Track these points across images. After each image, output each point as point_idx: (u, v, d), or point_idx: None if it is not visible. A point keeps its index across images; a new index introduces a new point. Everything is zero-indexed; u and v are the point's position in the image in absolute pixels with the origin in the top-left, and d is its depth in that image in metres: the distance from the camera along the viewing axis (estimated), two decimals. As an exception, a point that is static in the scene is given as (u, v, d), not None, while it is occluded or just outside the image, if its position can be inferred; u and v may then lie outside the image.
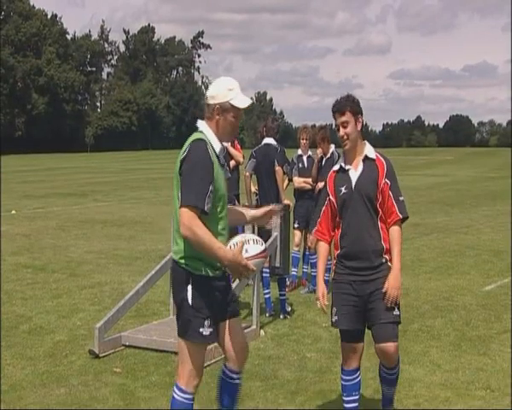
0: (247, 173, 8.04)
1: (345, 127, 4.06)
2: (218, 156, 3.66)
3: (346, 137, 4.07)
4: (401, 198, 4.09)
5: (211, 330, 3.65)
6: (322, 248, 4.25)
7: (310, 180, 8.40)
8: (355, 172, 4.11)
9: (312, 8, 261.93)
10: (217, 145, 3.67)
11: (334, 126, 4.20)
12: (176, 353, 5.79)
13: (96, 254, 11.02)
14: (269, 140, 7.80)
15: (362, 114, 4.12)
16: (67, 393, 5.04)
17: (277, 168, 7.68)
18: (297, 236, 8.65)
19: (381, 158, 4.15)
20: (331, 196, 4.16)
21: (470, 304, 7.81)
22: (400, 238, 4.09)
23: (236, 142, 9.34)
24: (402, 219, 4.09)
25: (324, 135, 8.27)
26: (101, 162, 49.34)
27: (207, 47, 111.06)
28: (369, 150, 4.15)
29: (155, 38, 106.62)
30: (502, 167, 41.89)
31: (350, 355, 4.19)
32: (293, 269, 8.55)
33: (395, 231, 4.07)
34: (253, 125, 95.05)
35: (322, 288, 4.16)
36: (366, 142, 4.19)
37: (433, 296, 8.09)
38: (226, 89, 3.66)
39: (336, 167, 4.23)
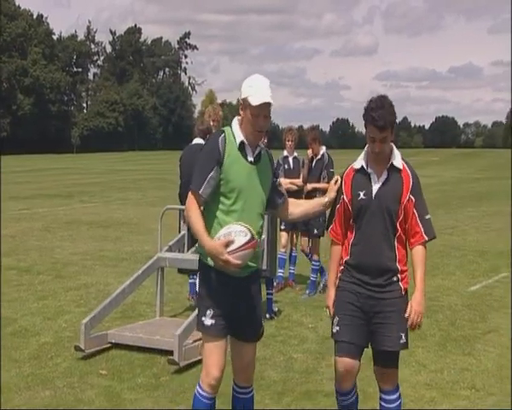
0: None
1: (382, 143, 3.66)
2: (240, 150, 3.62)
3: (381, 153, 3.69)
4: (427, 217, 3.73)
5: (212, 321, 3.58)
6: (336, 251, 3.90)
7: (296, 181, 8.45)
8: (377, 179, 3.72)
9: (299, 10, 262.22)
10: (238, 138, 3.64)
11: (366, 135, 3.72)
12: (162, 351, 5.82)
13: (82, 256, 10.96)
14: None
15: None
16: (53, 395, 5.02)
17: None
18: (283, 237, 8.67)
19: (408, 169, 3.75)
20: (346, 197, 3.79)
21: (455, 304, 7.86)
22: (425, 260, 3.73)
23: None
24: (429, 240, 3.75)
25: (315, 136, 8.37)
26: (88, 163, 49.13)
27: (194, 48, 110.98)
28: (396, 158, 3.74)
29: (142, 39, 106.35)
30: (487, 168, 42.21)
31: (344, 376, 3.78)
32: (279, 270, 8.55)
33: (419, 251, 3.72)
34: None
35: (332, 296, 3.87)
36: (393, 146, 3.77)
37: (419, 297, 8.11)
38: (247, 85, 3.64)
39: (357, 165, 3.80)
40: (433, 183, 29.41)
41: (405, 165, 3.75)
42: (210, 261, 3.59)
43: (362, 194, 3.72)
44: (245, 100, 3.62)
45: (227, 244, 3.42)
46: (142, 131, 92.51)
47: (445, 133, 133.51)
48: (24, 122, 78.09)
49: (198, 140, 7.49)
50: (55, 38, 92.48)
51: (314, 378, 5.41)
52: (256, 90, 3.59)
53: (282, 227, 8.64)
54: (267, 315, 7.23)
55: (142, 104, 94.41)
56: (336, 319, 3.78)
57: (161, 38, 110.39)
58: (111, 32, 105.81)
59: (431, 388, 5.23)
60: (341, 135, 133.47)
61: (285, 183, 8.59)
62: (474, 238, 13.18)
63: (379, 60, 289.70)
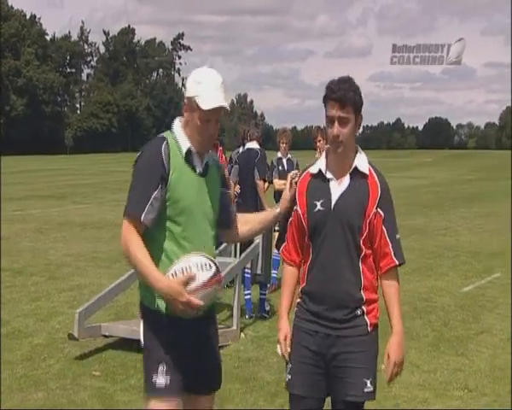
0: (232, 182, 8.06)
1: (342, 125, 2.90)
2: (187, 160, 2.88)
3: (340, 137, 2.91)
4: (397, 236, 3.00)
5: (167, 379, 2.82)
6: (289, 273, 3.13)
7: (289, 182, 8.46)
8: (338, 187, 2.98)
9: (293, 11, 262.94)
10: (184, 145, 2.88)
11: (325, 119, 2.98)
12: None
13: (75, 257, 10.94)
14: (251, 144, 7.82)
15: (361, 113, 3.00)
16: (46, 397, 5.00)
17: (259, 182, 7.66)
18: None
19: (376, 176, 3.00)
20: (299, 209, 3.03)
21: (448, 305, 7.88)
22: (399, 295, 3.01)
23: (220, 149, 9.27)
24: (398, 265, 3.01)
25: (323, 136, 8.31)
26: (81, 164, 49.03)
27: (188, 49, 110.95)
28: (361, 161, 3.00)
29: (135, 40, 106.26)
30: (479, 170, 42.34)
31: None
32: (273, 271, 8.55)
33: (392, 285, 2.99)
34: (233, 127, 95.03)
35: (284, 328, 3.08)
36: (359, 148, 3.05)
37: (412, 298, 8.14)
38: (195, 81, 2.84)
39: (314, 169, 3.05)
40: (426, 184, 29.52)
41: (373, 170, 3.02)
42: (161, 306, 2.85)
43: (319, 204, 2.97)
44: (192, 100, 2.83)
45: (186, 282, 2.72)
46: (136, 133, 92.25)
47: (438, 134, 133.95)
48: (17, 123, 77.89)
49: None
50: (48, 38, 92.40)
51: (307, 379, 5.41)
52: (206, 90, 2.81)
53: (277, 228, 8.62)
54: (259, 313, 7.27)
55: (135, 105, 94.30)
56: (289, 365, 3.05)
57: (155, 38, 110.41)
58: (104, 32, 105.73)
59: (424, 388, 5.24)
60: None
61: (279, 184, 8.59)
62: (466, 239, 13.22)
63: (372, 61, 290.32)
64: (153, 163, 2.82)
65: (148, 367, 2.88)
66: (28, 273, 9.57)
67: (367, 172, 2.99)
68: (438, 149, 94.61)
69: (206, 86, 2.81)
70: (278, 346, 3.09)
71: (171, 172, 2.82)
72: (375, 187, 2.97)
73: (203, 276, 2.74)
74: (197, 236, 2.90)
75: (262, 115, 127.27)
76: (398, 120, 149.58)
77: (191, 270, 2.72)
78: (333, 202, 2.96)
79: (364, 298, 2.97)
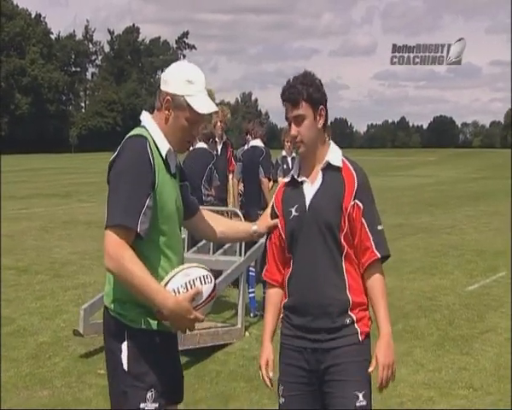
0: (235, 180, 8.11)
1: (298, 124, 2.77)
2: (165, 161, 2.67)
3: (298, 137, 2.79)
4: (379, 227, 2.79)
5: (156, 405, 2.60)
6: (272, 294, 2.97)
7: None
8: (311, 187, 2.82)
9: (298, 9, 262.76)
10: (163, 146, 2.66)
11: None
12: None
13: (80, 255, 10.96)
14: (256, 142, 7.88)
15: (325, 103, 2.81)
16: (51, 395, 5.02)
17: (263, 180, 7.71)
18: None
19: (351, 167, 2.82)
20: (279, 223, 2.90)
21: (453, 304, 7.87)
22: (384, 290, 2.78)
23: (231, 150, 9.25)
24: (382, 259, 2.79)
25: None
26: (86, 163, 49.05)
27: (192, 47, 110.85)
28: (333, 155, 2.83)
29: (140, 39, 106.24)
30: (484, 168, 42.24)
31: None
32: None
33: (376, 280, 2.76)
34: (238, 126, 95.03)
35: (266, 352, 2.93)
36: (332, 143, 2.89)
37: (417, 296, 8.13)
38: (184, 79, 2.64)
39: (287, 178, 2.95)
40: (431, 182, 29.46)
41: (347, 162, 2.84)
42: (151, 323, 2.62)
43: (293, 210, 2.82)
44: (180, 98, 2.64)
45: (193, 298, 2.54)
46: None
47: (443, 133, 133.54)
48: (22, 122, 78.01)
49: (201, 144, 7.48)
50: (53, 37, 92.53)
51: (312, 378, 5.40)
52: (200, 91, 2.66)
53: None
54: (251, 314, 7.25)
55: (140, 104, 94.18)
56: (281, 388, 2.88)
57: (159, 37, 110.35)
58: (109, 31, 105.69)
59: (429, 387, 5.23)
60: (339, 134, 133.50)
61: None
62: (472, 238, 13.18)
63: (377, 59, 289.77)
64: (142, 166, 2.56)
65: (133, 395, 2.60)
66: (33, 272, 9.59)
67: (340, 165, 2.81)
68: (443, 148, 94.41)
69: (199, 88, 2.66)
70: (260, 372, 2.93)
71: (157, 176, 2.59)
72: (351, 178, 2.78)
73: (207, 289, 2.59)
74: (176, 243, 2.72)
75: (266, 114, 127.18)
76: (403, 118, 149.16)
77: (195, 285, 2.55)
78: (307, 204, 2.80)
79: (351, 300, 2.75)
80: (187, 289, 2.53)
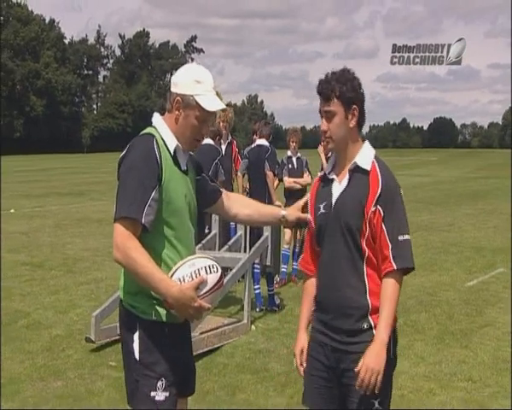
0: (240, 174, 8.17)
1: (328, 120, 2.68)
2: (174, 159, 2.70)
3: (328, 133, 2.70)
4: (402, 237, 2.63)
5: (166, 394, 2.61)
6: (307, 284, 2.95)
7: (299, 180, 8.54)
8: (338, 186, 2.73)
9: (302, 14, 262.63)
10: (171, 143, 2.70)
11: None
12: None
13: (92, 252, 10.98)
14: (261, 141, 7.92)
15: (360, 103, 2.69)
16: (64, 386, 5.03)
17: (268, 173, 7.76)
18: (287, 234, 8.67)
19: (379, 172, 2.66)
20: (310, 216, 2.84)
21: (453, 299, 7.85)
22: (394, 296, 2.61)
23: (234, 143, 9.29)
24: (402, 270, 2.64)
25: (294, 140, 8.51)
26: (98, 162, 49.13)
27: (200, 51, 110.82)
28: (362, 157, 2.70)
29: (150, 43, 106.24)
30: (483, 168, 42.11)
31: None
32: (283, 266, 8.56)
33: (387, 284, 2.61)
34: (244, 127, 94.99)
35: (301, 342, 2.89)
36: (366, 143, 2.77)
37: (418, 292, 8.12)
38: (193, 79, 2.68)
39: (322, 172, 2.88)
40: (431, 182, 29.39)
41: (377, 165, 2.69)
42: (161, 314, 2.64)
43: (322, 207, 2.76)
44: (189, 98, 2.67)
45: (197, 286, 2.54)
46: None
47: (442, 134, 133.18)
48: (36, 123, 78.15)
49: (207, 140, 7.48)
50: (66, 41, 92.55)
51: (316, 370, 5.40)
52: (208, 90, 2.70)
53: (286, 224, 8.66)
54: (269, 308, 7.27)
55: (150, 106, 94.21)
56: (304, 378, 2.87)
57: (168, 41, 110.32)
58: (120, 35, 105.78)
59: (429, 379, 5.22)
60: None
61: (289, 181, 8.61)
62: (470, 235, 13.15)
63: (379, 62, 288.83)
64: (148, 162, 2.58)
65: (144, 383, 2.62)
66: (47, 267, 9.62)
67: (368, 168, 2.67)
68: (442, 148, 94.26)
69: (206, 87, 2.70)
70: (294, 359, 2.92)
71: (163, 172, 2.61)
72: (376, 183, 2.63)
73: (212, 279, 2.58)
74: (185, 236, 2.72)
75: (272, 115, 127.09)
76: (404, 119, 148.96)
77: (200, 274, 2.55)
78: (333, 203, 2.71)
79: (370, 305, 2.63)
80: (192, 279, 2.54)
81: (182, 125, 2.71)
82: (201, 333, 5.74)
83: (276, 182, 8.55)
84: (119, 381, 5.12)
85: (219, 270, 2.63)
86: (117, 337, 6.03)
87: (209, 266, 2.59)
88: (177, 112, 2.70)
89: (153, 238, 2.61)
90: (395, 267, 2.60)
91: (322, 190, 2.81)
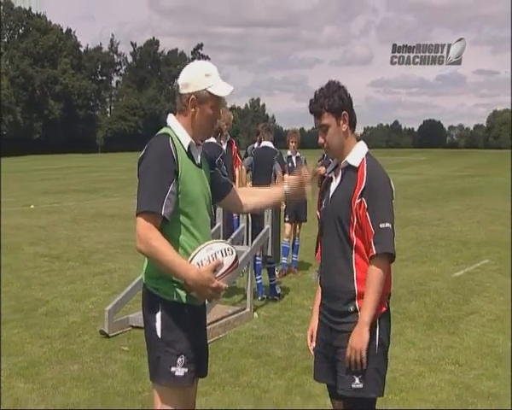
0: (243, 167, 8.12)
1: (323, 133, 2.82)
2: (188, 154, 2.73)
3: (325, 145, 2.84)
4: (384, 225, 2.66)
5: (185, 370, 2.63)
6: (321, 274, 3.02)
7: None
8: (335, 183, 2.86)
9: (302, 23, 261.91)
10: (185, 140, 2.72)
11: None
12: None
13: (106, 245, 10.99)
14: (267, 143, 7.89)
15: (348, 108, 2.80)
16: (80, 369, 5.04)
17: (279, 172, 7.67)
18: (287, 228, 8.68)
19: (366, 168, 2.75)
20: (318, 211, 2.97)
21: (441, 288, 7.84)
22: (374, 281, 2.65)
23: (235, 148, 9.26)
24: (381, 255, 2.66)
25: (294, 140, 8.48)
26: (111, 162, 49.18)
27: (206, 58, 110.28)
28: (353, 156, 2.80)
29: (159, 50, 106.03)
30: (469, 167, 42.04)
31: None
32: (283, 258, 8.55)
33: (370, 270, 2.67)
34: (247, 129, 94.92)
35: (312, 325, 3.01)
36: (359, 143, 2.86)
37: (409, 281, 8.11)
38: (202, 74, 2.70)
39: (328, 170, 2.99)
40: (421, 179, 29.33)
41: (365, 162, 2.78)
42: (181, 295, 2.67)
43: (323, 203, 2.90)
44: (203, 93, 2.70)
45: (214, 269, 2.59)
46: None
47: (432, 135, 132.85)
48: (54, 125, 78.13)
49: (211, 139, 7.46)
50: (82, 49, 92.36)
51: (314, 355, 5.40)
52: (216, 79, 2.73)
53: (287, 219, 8.65)
54: (270, 297, 7.27)
55: (159, 109, 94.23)
56: (314, 355, 2.96)
57: (177, 49, 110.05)
58: (132, 44, 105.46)
59: (419, 363, 5.22)
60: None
61: (288, 179, 8.60)
62: (458, 229, 13.13)
63: (373, 68, 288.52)
64: (165, 159, 2.61)
65: (165, 359, 2.64)
66: (64, 259, 9.63)
67: (357, 165, 2.76)
68: (432, 148, 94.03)
69: (215, 77, 2.73)
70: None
71: (179, 167, 2.64)
72: (362, 178, 2.72)
73: (228, 261, 2.62)
74: (202, 224, 2.75)
75: (273, 117, 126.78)
76: (396, 121, 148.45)
77: (217, 257, 2.59)
78: (329, 199, 2.84)
79: (357, 290, 2.71)
80: (209, 262, 2.58)
81: (199, 119, 2.74)
82: (207, 324, 5.72)
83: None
84: (130, 364, 5.14)
85: (234, 252, 2.67)
86: (129, 328, 6.05)
87: (225, 250, 2.64)
88: (192, 109, 2.72)
89: (172, 228, 2.64)
90: (374, 252, 2.66)
91: (325, 188, 2.92)
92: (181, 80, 2.75)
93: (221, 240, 2.75)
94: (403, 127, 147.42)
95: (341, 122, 2.79)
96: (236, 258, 2.68)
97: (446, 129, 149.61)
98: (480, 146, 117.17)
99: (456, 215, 15.60)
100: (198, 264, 2.58)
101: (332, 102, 2.76)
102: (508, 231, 12.20)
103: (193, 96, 2.70)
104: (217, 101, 2.73)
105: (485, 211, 16.33)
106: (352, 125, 2.84)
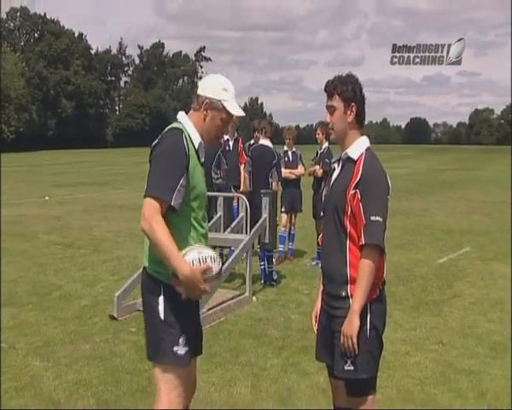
0: (246, 174, 7.82)
1: (331, 113, 2.77)
2: (196, 152, 2.72)
3: (330, 125, 2.80)
4: (374, 218, 2.61)
5: (186, 348, 2.64)
6: None
7: (294, 171, 8.51)
8: (336, 173, 2.85)
9: (298, 27, 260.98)
10: (196, 139, 2.72)
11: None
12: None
13: (115, 233, 10.97)
14: (265, 141, 7.66)
15: (357, 102, 2.75)
16: (91, 348, 5.04)
17: (275, 183, 7.42)
18: (284, 218, 8.66)
19: (363, 162, 2.70)
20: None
21: (426, 274, 7.85)
22: (363, 271, 2.61)
23: (241, 140, 9.19)
24: (370, 246, 2.62)
25: (322, 131, 8.15)
26: (119, 157, 49.06)
27: (208, 60, 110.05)
28: (353, 148, 2.76)
29: (165, 53, 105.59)
30: (452, 162, 42.02)
31: (332, 391, 3.01)
32: (280, 246, 8.54)
33: (361, 263, 2.63)
34: (246, 125, 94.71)
35: (316, 307, 2.99)
36: (362, 138, 2.82)
37: (396, 268, 8.11)
38: (221, 87, 2.73)
39: (333, 160, 3.04)
40: (408, 173, 29.31)
41: (363, 156, 2.74)
42: None
43: (326, 190, 2.91)
44: (217, 102, 2.71)
45: (204, 271, 2.54)
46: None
47: (418, 132, 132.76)
48: (67, 123, 77.88)
49: None
50: (92, 52, 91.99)
51: (309, 336, 5.38)
52: (232, 97, 2.75)
53: (283, 209, 8.63)
54: (268, 283, 7.27)
55: (164, 107, 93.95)
56: (316, 336, 2.95)
57: (181, 51, 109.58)
58: (139, 46, 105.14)
59: (406, 343, 5.23)
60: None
61: (285, 172, 8.55)
62: (441, 219, 13.13)
63: (364, 70, 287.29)
64: (178, 152, 2.59)
65: (167, 339, 2.62)
66: (76, 247, 9.62)
67: (355, 158, 2.72)
68: (418, 144, 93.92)
69: (231, 94, 2.75)
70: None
71: (190, 162, 2.63)
72: (358, 170, 2.67)
73: (215, 268, 2.59)
74: (203, 219, 2.74)
75: (270, 115, 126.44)
76: (385, 119, 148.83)
77: (207, 261, 2.54)
78: (330, 187, 2.83)
79: (349, 275, 2.68)
80: (199, 263, 2.53)
81: (208, 124, 2.74)
82: (209, 309, 5.71)
83: (280, 189, 8.30)
84: (138, 344, 5.13)
85: (220, 262, 2.65)
86: (136, 312, 6.04)
87: (213, 257, 2.59)
88: (204, 112, 2.73)
89: (178, 218, 2.61)
90: (363, 242, 2.62)
91: (330, 177, 2.91)
92: (202, 83, 2.78)
93: (209, 247, 2.69)
94: (391, 124, 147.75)
95: (348, 112, 2.75)
96: (221, 268, 2.65)
97: (431, 126, 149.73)
98: (463, 142, 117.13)
99: (440, 206, 15.60)
100: (192, 262, 2.52)
101: (345, 89, 2.73)
102: (487, 221, 12.19)
103: (207, 100, 2.71)
104: (227, 116, 2.75)
105: (466, 202, 16.35)
106: (359, 120, 2.79)
